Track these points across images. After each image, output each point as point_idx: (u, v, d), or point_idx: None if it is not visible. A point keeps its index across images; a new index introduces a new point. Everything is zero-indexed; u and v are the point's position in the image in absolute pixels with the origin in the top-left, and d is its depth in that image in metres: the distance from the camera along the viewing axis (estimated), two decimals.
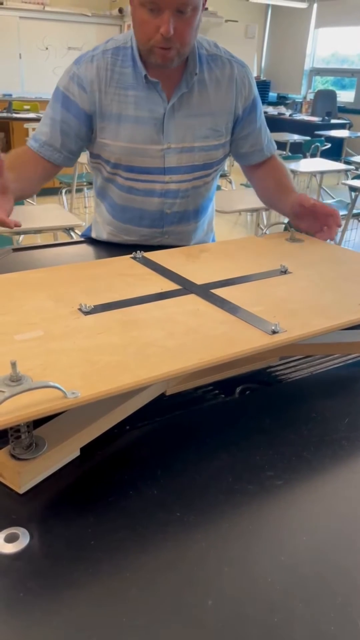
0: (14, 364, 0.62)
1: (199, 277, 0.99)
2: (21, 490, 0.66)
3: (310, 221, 1.25)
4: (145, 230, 1.42)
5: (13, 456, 0.67)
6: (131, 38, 1.24)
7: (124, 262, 1.08)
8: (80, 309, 0.84)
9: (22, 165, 1.27)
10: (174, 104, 1.27)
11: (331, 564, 0.58)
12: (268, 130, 1.43)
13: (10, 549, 0.58)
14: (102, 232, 1.51)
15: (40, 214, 2.85)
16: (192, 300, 0.90)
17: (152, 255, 1.11)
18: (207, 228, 1.55)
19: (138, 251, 1.10)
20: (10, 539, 0.59)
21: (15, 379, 0.62)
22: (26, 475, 0.66)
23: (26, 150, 1.30)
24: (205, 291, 0.93)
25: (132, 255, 1.10)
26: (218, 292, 0.93)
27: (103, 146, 1.30)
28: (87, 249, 1.50)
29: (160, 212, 1.39)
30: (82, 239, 1.60)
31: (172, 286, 0.96)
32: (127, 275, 1.00)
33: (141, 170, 1.32)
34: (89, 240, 1.56)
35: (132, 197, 1.37)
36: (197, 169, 1.35)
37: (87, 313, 0.83)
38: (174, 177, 1.34)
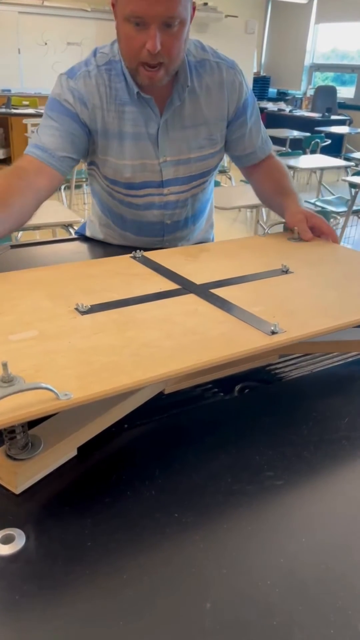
0: (5, 365, 0.61)
1: (198, 277, 0.98)
2: (17, 491, 0.65)
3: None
4: (145, 239, 1.40)
5: (9, 456, 0.66)
6: (118, 52, 1.18)
7: (123, 261, 1.07)
8: (77, 309, 0.83)
9: (29, 177, 1.17)
10: (167, 119, 1.24)
11: (331, 567, 0.58)
12: (263, 130, 1.39)
13: (6, 550, 0.58)
14: (98, 233, 1.49)
15: (39, 210, 2.83)
16: (191, 300, 0.89)
17: (151, 254, 1.10)
18: (207, 225, 1.53)
19: (137, 250, 1.09)
20: (6, 540, 0.59)
21: (7, 380, 0.61)
22: (22, 475, 0.65)
23: (31, 161, 1.18)
24: (204, 291, 0.92)
25: (131, 255, 1.09)
26: (217, 292, 0.92)
27: (105, 162, 1.26)
28: (86, 246, 1.49)
29: (160, 223, 1.37)
30: (80, 236, 1.59)
31: (171, 286, 0.95)
32: (125, 275, 0.99)
33: (140, 186, 1.30)
34: (87, 237, 1.55)
35: (131, 210, 1.35)
36: (195, 178, 1.33)
37: (83, 313, 0.82)
38: (172, 188, 1.32)
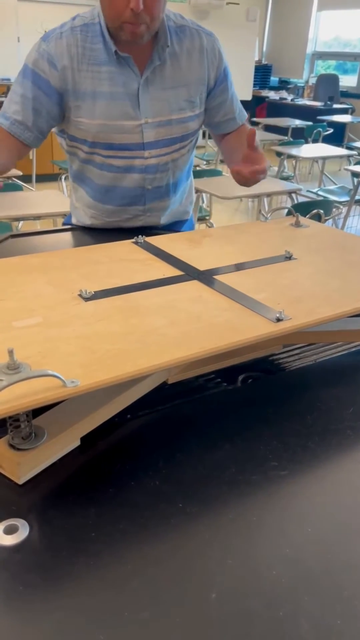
0: (11, 352, 0.60)
1: (202, 263, 0.97)
2: (20, 481, 0.64)
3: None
4: (128, 209, 1.41)
5: (12, 446, 0.65)
6: (98, 14, 1.22)
7: (126, 246, 1.06)
8: (80, 295, 0.82)
9: None
10: (147, 77, 1.26)
11: (337, 557, 0.57)
12: (238, 99, 1.44)
13: (9, 540, 0.57)
14: (84, 217, 1.49)
15: (39, 200, 2.82)
16: (194, 287, 0.88)
17: (154, 240, 1.09)
18: (187, 201, 1.54)
19: (140, 236, 1.09)
20: (10, 530, 0.58)
21: (13, 367, 0.60)
22: (26, 465, 0.64)
23: None
24: (208, 277, 0.92)
25: (133, 240, 1.08)
26: (221, 278, 0.91)
27: (78, 125, 1.27)
28: (86, 235, 1.48)
29: (141, 188, 1.38)
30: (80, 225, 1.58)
31: (174, 272, 0.94)
32: (128, 261, 0.99)
33: (120, 147, 1.30)
34: (87, 226, 1.53)
35: (112, 175, 1.36)
36: (176, 141, 1.35)
37: (87, 299, 0.81)
38: (153, 151, 1.33)
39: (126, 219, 1.43)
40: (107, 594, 0.52)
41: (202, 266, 0.96)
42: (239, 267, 0.97)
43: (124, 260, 0.99)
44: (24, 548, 0.57)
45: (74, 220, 1.54)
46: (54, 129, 1.34)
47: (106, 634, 0.49)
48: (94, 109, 1.25)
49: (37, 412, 0.68)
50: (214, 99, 1.36)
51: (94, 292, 0.83)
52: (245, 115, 1.46)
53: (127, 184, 1.37)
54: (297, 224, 1.23)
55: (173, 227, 1.53)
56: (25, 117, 1.22)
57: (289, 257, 1.02)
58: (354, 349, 0.99)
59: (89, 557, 0.56)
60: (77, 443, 0.71)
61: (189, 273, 0.93)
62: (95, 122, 1.26)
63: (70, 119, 1.28)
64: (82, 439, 0.71)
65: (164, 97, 1.28)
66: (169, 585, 0.54)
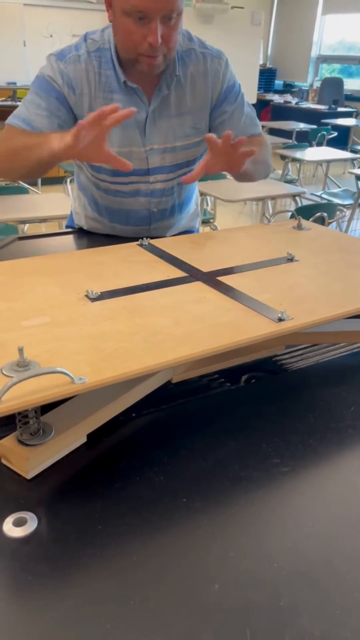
0: (21, 350, 0.62)
1: (205, 265, 0.99)
2: (29, 476, 0.66)
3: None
4: (132, 229, 1.41)
5: (21, 442, 0.67)
6: (109, 40, 1.20)
7: (131, 249, 1.08)
8: (87, 296, 0.84)
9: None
10: (154, 107, 1.24)
11: (337, 550, 0.59)
12: (248, 114, 1.36)
13: (18, 532, 0.59)
14: (84, 225, 1.50)
15: (45, 203, 2.85)
16: (198, 288, 0.90)
17: (158, 242, 1.11)
18: (193, 214, 1.55)
19: (144, 238, 1.11)
20: (19, 523, 0.60)
21: (23, 364, 0.62)
22: (34, 460, 0.66)
23: (22, 131, 1.19)
24: (211, 278, 0.93)
25: (138, 243, 1.10)
26: (224, 279, 0.93)
27: None
28: (91, 238, 1.50)
29: (147, 210, 1.38)
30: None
31: (178, 273, 0.96)
32: (133, 262, 1.00)
33: (126, 173, 1.28)
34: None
35: (118, 199, 1.36)
36: (181, 166, 1.34)
37: (94, 300, 0.83)
38: (159, 176, 1.33)
39: (130, 234, 1.42)
40: (113, 584, 0.54)
41: (205, 268, 0.98)
42: (241, 268, 0.99)
43: (129, 262, 1.01)
44: (32, 540, 0.58)
45: (76, 222, 1.54)
46: None
47: (112, 623, 0.50)
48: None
49: (45, 409, 0.70)
50: (215, 119, 1.33)
51: (100, 292, 0.85)
52: (257, 131, 1.38)
53: (132, 207, 1.37)
54: (299, 227, 1.24)
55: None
56: (52, 131, 1.17)
57: (290, 259, 1.04)
58: (355, 350, 1.01)
59: (96, 548, 0.58)
60: (84, 439, 0.73)
61: (193, 274, 0.95)
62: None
63: None
64: (89, 436, 0.73)
65: (170, 125, 1.28)
66: (173, 576, 0.55)
